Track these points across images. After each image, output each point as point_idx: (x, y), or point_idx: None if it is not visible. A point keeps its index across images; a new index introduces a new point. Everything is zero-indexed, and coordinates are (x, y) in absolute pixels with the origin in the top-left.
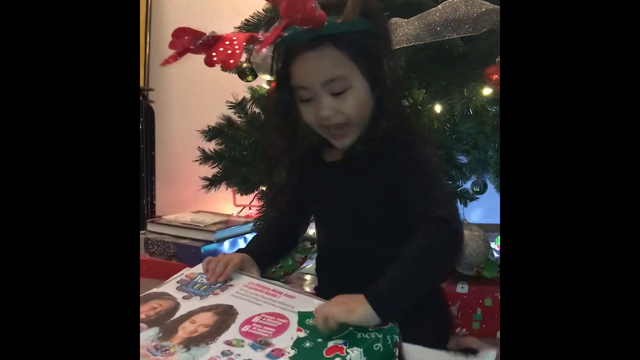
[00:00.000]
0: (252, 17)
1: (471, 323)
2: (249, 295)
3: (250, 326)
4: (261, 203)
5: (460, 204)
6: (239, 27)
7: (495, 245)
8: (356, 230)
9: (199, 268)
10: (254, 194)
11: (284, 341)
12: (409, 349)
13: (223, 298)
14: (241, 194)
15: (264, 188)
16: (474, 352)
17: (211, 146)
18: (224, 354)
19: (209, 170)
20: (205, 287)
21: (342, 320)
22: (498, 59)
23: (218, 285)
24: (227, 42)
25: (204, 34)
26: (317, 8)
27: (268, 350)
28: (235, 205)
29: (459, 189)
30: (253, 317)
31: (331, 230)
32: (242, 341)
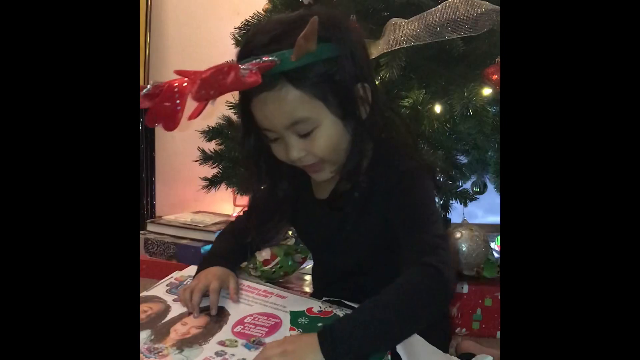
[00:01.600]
0: (251, 17)
1: (471, 323)
2: (240, 297)
3: (242, 326)
4: None
5: (460, 204)
6: (239, 28)
7: (495, 245)
8: (347, 267)
9: (188, 271)
10: None
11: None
12: (413, 339)
13: None
14: (241, 194)
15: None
16: (471, 357)
17: (211, 146)
18: (218, 354)
19: (209, 171)
20: None
21: None
22: (498, 59)
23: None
24: (168, 96)
25: (144, 86)
26: (244, 74)
27: (262, 349)
28: (235, 206)
29: (459, 189)
30: (245, 317)
31: (323, 261)
32: (236, 341)
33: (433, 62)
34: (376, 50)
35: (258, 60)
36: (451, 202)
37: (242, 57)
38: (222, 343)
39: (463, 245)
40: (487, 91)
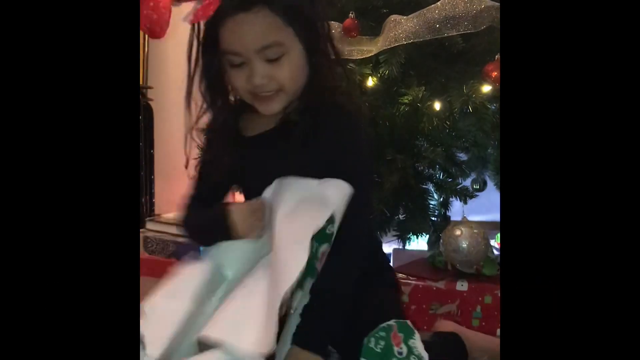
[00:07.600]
0: None
1: (471, 321)
2: None
3: None
4: None
5: (460, 201)
6: None
7: (495, 242)
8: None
9: None
10: None
11: None
12: None
13: None
14: (240, 192)
15: None
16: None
17: None
18: None
19: None
20: None
21: None
22: (497, 56)
23: None
24: (152, 4)
25: None
26: None
27: None
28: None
29: (458, 187)
30: None
31: None
32: None
33: (432, 59)
34: (375, 47)
35: None
36: (451, 199)
37: None
38: None
39: (463, 243)
40: (486, 88)
